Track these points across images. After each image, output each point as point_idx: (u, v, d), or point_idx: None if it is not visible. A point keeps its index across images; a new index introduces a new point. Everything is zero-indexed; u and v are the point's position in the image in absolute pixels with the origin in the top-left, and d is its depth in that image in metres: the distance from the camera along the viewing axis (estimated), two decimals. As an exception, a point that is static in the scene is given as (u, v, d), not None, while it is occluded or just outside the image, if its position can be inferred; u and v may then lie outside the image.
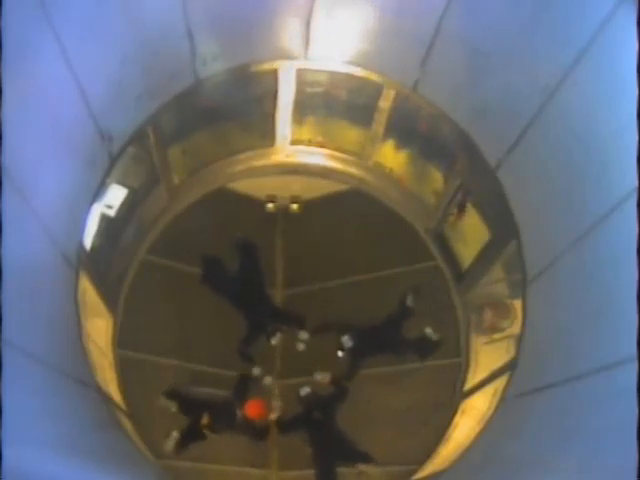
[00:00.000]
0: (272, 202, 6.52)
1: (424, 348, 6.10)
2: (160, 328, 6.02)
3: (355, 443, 5.83)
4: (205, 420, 5.76)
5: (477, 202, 5.74)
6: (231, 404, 5.85)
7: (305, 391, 5.93)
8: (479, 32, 4.49)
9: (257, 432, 5.86)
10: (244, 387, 5.95)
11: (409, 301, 6.14)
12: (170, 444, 5.68)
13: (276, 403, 5.90)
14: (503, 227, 5.28)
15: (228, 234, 6.27)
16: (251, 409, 5.84)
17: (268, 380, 6.01)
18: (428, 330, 6.11)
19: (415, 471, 5.72)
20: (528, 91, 4.37)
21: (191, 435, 5.77)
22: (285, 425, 5.89)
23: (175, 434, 5.71)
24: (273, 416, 5.88)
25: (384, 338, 6.17)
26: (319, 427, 5.88)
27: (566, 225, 4.32)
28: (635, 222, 3.11)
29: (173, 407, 5.76)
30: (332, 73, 5.71)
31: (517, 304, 5.25)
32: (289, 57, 5.55)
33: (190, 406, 5.82)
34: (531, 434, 4.24)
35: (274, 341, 6.12)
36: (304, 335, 6.16)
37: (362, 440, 5.94)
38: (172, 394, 5.80)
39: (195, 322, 6.12)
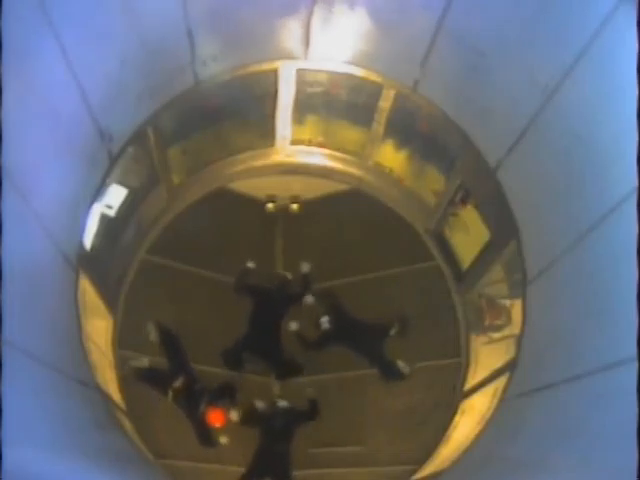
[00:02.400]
0: (272, 202, 6.52)
1: (390, 373, 6.10)
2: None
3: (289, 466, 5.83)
4: (178, 383, 5.77)
5: (477, 202, 5.74)
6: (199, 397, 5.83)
7: (282, 404, 5.91)
8: (479, 32, 4.49)
9: (203, 436, 5.86)
10: (221, 393, 5.95)
11: (392, 331, 6.12)
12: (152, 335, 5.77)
13: (235, 413, 5.89)
14: (503, 227, 5.28)
15: (228, 234, 6.28)
16: (213, 416, 5.83)
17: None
18: (400, 363, 6.07)
19: (415, 471, 5.73)
20: (528, 91, 4.37)
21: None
22: (246, 418, 5.88)
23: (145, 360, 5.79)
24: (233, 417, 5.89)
25: (363, 339, 6.17)
26: (275, 436, 5.88)
27: (566, 225, 4.32)
28: (635, 222, 3.12)
29: (153, 335, 5.86)
30: (332, 73, 5.71)
31: (517, 304, 5.25)
32: (289, 57, 5.55)
33: (173, 353, 5.89)
34: (531, 434, 4.24)
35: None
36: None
37: (362, 440, 5.96)
38: (164, 331, 5.88)
39: (195, 322, 6.13)
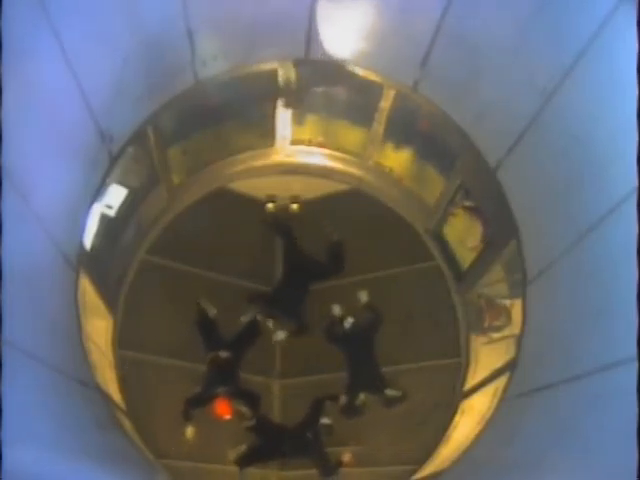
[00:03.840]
0: (272, 202, 6.52)
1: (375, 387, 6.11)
2: (160, 328, 6.02)
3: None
4: (224, 355, 5.89)
5: (477, 202, 5.74)
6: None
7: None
8: (479, 32, 4.49)
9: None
10: (244, 394, 6.00)
11: None
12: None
13: (244, 409, 5.94)
14: (503, 227, 5.28)
15: (228, 234, 6.29)
16: (220, 407, 5.87)
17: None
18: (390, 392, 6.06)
19: (415, 471, 5.73)
20: (528, 91, 4.37)
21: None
22: (244, 460, 5.91)
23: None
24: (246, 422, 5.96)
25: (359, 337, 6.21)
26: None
27: (566, 225, 4.32)
28: (635, 222, 3.12)
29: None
30: (332, 73, 5.71)
31: (517, 304, 5.25)
32: (289, 57, 5.55)
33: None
34: (531, 434, 4.24)
35: None
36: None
37: (362, 440, 5.96)
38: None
39: (195, 322, 6.13)
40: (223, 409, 5.88)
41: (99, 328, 5.47)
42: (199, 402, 5.88)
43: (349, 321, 6.18)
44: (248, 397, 6.00)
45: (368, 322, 6.18)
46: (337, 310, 6.26)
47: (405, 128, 5.98)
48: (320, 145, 6.44)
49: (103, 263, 5.43)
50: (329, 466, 5.87)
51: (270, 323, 6.29)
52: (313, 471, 5.90)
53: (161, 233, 6.17)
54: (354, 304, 6.30)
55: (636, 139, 3.13)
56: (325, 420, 6.02)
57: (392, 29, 4.97)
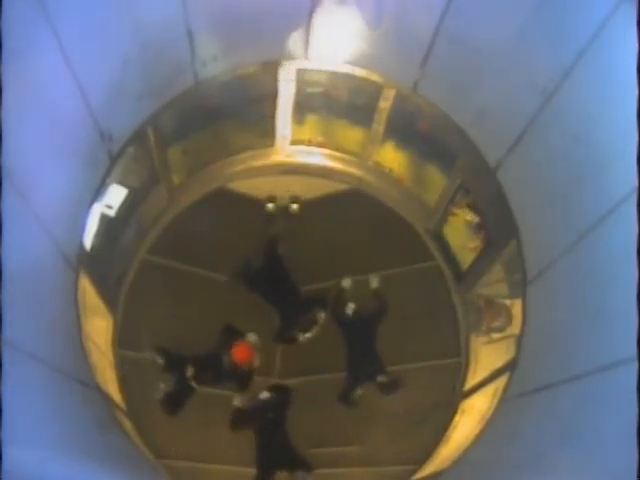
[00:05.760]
0: (272, 202, 6.52)
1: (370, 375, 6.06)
2: (160, 328, 6.02)
3: (297, 450, 5.84)
4: (190, 372, 5.76)
5: (477, 202, 5.74)
6: (216, 355, 5.83)
7: (264, 395, 5.86)
8: (479, 32, 4.49)
9: (241, 380, 5.86)
10: (230, 336, 5.92)
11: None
12: (158, 395, 5.68)
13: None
14: (503, 227, 5.28)
15: (228, 234, 6.28)
16: (238, 353, 5.80)
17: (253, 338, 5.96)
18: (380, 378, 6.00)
19: (415, 471, 5.72)
20: (528, 91, 4.38)
21: (179, 389, 5.77)
22: (237, 420, 5.85)
23: (162, 386, 5.72)
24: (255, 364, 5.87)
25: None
26: (270, 428, 5.86)
27: (566, 225, 4.33)
28: (634, 222, 3.12)
29: (160, 360, 5.78)
30: (332, 73, 5.71)
31: (517, 304, 5.25)
32: (289, 57, 5.55)
33: (175, 360, 5.83)
34: (531, 434, 4.24)
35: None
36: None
37: (362, 440, 5.95)
38: (160, 349, 5.81)
39: (195, 322, 6.12)
40: (242, 354, 5.80)
41: (99, 328, 5.47)
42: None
43: (350, 307, 6.14)
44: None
45: (373, 311, 6.16)
46: (347, 283, 6.20)
47: (405, 128, 5.97)
48: (320, 145, 6.44)
49: (103, 263, 5.43)
50: None
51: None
52: (313, 471, 5.90)
53: (161, 233, 6.17)
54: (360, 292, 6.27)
55: (636, 139, 3.13)
56: None
57: (392, 29, 4.98)
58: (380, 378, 5.98)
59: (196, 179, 6.30)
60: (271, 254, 6.19)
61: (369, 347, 6.06)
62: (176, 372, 5.82)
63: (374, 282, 6.21)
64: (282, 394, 5.93)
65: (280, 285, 6.21)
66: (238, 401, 5.85)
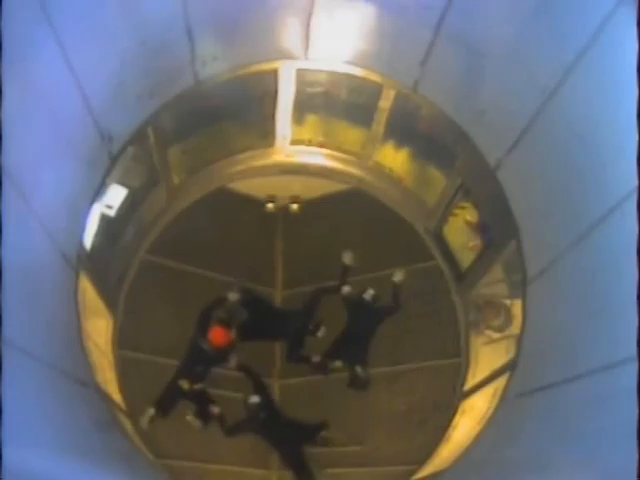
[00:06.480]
0: (272, 202, 6.52)
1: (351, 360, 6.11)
2: (160, 328, 6.02)
3: (302, 420, 5.90)
4: (186, 385, 5.76)
5: (477, 202, 5.74)
6: (196, 347, 5.83)
7: (254, 399, 5.84)
8: (479, 32, 4.49)
9: (221, 357, 5.87)
10: (205, 321, 5.93)
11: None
12: (145, 421, 5.65)
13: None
14: (503, 227, 5.28)
15: (228, 234, 6.28)
16: (215, 337, 5.81)
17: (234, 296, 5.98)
18: (358, 369, 6.04)
19: (415, 471, 5.72)
20: (528, 91, 4.37)
21: (166, 399, 5.78)
22: (231, 429, 5.86)
23: (150, 410, 5.69)
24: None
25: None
26: (269, 425, 5.87)
27: (566, 225, 4.33)
28: (635, 222, 3.12)
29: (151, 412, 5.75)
30: (332, 73, 5.72)
31: (517, 304, 5.25)
32: (289, 57, 5.55)
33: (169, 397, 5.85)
34: (531, 434, 4.24)
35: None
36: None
37: (362, 440, 5.95)
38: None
39: (195, 322, 6.12)
40: (218, 337, 5.82)
41: (99, 328, 5.47)
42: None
43: (370, 293, 6.09)
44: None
45: (387, 304, 6.15)
46: (348, 258, 6.18)
47: (405, 128, 5.98)
48: (320, 145, 6.44)
49: (103, 263, 5.43)
50: None
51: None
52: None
53: (161, 233, 6.17)
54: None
55: (636, 139, 3.13)
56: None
57: (392, 29, 4.98)
58: (358, 369, 6.00)
59: (196, 179, 6.30)
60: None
61: (365, 337, 6.08)
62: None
63: (398, 275, 6.16)
64: (263, 392, 5.96)
65: (267, 322, 6.25)
66: (254, 399, 5.84)
